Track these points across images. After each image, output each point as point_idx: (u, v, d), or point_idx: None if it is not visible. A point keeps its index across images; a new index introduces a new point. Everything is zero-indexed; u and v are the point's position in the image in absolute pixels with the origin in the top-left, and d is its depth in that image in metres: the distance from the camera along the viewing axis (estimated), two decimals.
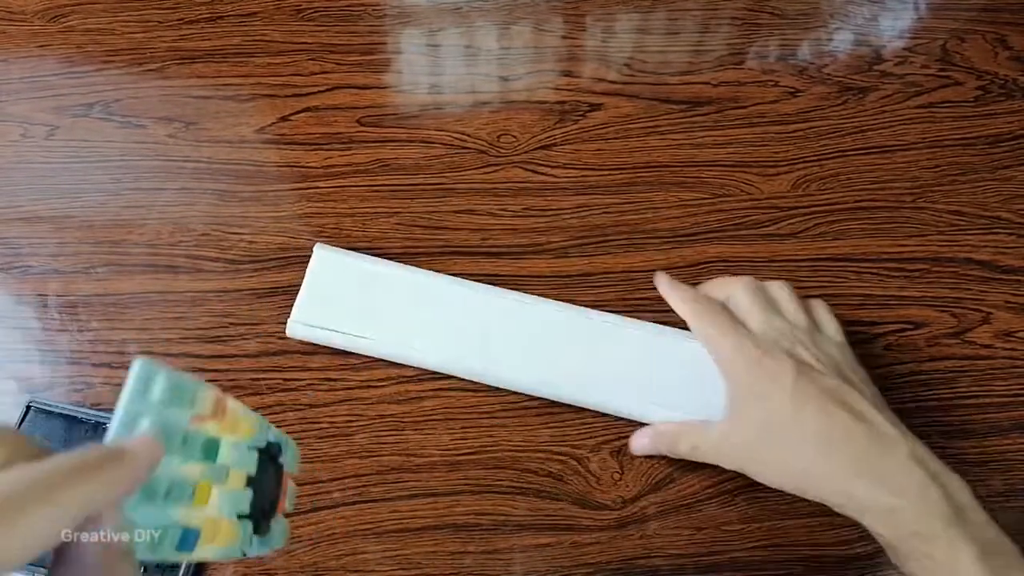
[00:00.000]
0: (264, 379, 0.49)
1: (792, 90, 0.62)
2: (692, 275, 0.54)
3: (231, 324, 0.51)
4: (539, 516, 0.47)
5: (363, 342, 0.49)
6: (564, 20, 0.65)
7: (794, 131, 0.60)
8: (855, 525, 0.40)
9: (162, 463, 0.23)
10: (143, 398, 0.24)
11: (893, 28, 0.66)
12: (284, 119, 0.59)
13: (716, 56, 0.64)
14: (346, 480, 0.47)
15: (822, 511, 0.41)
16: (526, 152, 0.59)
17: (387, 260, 0.52)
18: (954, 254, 0.56)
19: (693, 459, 0.45)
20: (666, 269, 0.54)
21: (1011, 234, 0.57)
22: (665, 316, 0.53)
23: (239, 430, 0.27)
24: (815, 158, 0.59)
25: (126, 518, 0.21)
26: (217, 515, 0.26)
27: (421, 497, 0.47)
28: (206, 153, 0.58)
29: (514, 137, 0.59)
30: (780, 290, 0.47)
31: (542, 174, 0.58)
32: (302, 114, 0.60)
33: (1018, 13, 0.67)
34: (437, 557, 0.46)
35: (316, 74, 0.61)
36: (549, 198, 0.57)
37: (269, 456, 0.29)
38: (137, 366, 0.24)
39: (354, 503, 0.47)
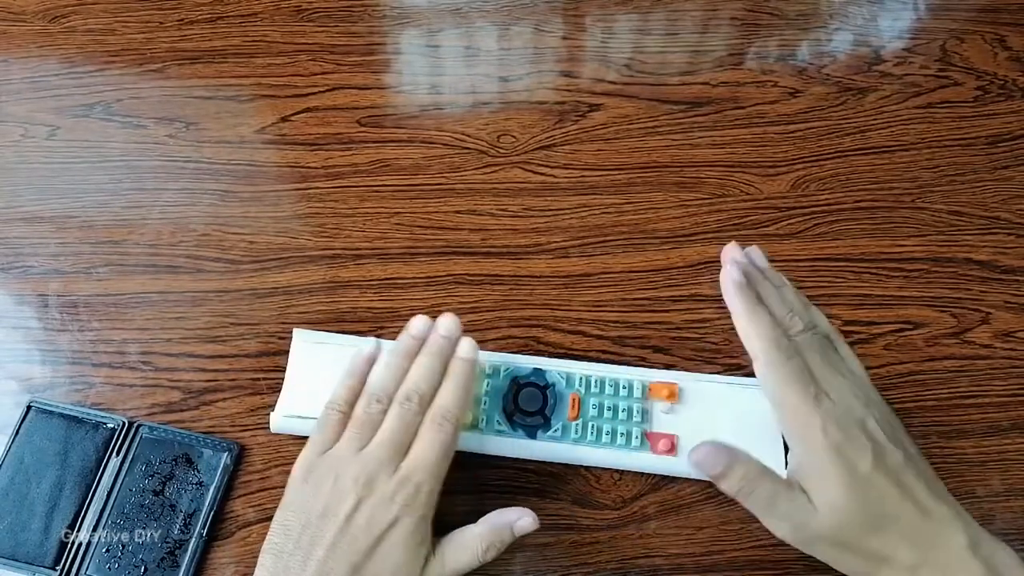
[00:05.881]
0: (264, 379, 0.49)
1: (791, 90, 0.62)
2: (691, 275, 0.54)
3: (231, 324, 0.51)
4: (539, 515, 0.47)
5: None
6: (564, 21, 0.66)
7: (793, 131, 0.60)
8: None
9: None
10: None
11: (892, 28, 0.66)
12: (284, 119, 0.59)
13: (715, 57, 0.64)
14: None
15: None
16: (526, 152, 0.59)
17: (364, 337, 0.49)
18: (953, 254, 0.56)
19: (758, 517, 0.40)
20: (665, 269, 0.54)
21: (1010, 234, 0.57)
22: (663, 315, 0.53)
23: None
24: (814, 158, 0.59)
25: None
26: None
27: None
28: (207, 153, 0.58)
29: (514, 137, 0.59)
30: (824, 323, 0.42)
31: (542, 174, 0.58)
32: (302, 114, 0.60)
33: (1017, 13, 0.67)
34: None
35: (316, 75, 0.62)
36: (549, 198, 0.57)
37: None
38: None
39: None
